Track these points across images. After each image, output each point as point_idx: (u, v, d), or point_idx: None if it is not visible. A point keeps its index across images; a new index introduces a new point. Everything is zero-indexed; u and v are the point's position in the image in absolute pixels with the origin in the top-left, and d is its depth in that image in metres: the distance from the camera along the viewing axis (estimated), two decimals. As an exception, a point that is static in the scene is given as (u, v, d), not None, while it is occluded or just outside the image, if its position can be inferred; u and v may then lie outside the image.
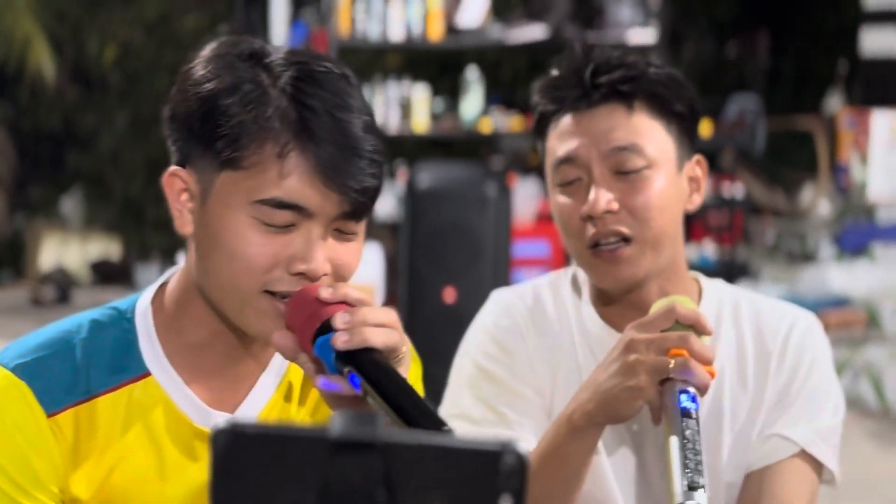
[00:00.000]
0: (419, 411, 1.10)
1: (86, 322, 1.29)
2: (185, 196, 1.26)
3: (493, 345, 1.63)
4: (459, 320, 5.64)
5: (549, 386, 1.61)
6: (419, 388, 1.41)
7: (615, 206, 1.55)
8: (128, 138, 11.50)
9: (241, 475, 0.78)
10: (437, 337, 5.46)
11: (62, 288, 10.94)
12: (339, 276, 1.24)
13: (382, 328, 1.16)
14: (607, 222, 1.55)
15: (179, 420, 1.28)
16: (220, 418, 1.26)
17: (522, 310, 1.65)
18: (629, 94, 1.57)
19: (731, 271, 6.88)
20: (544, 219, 6.50)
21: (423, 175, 5.31)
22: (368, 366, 1.13)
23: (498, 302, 1.68)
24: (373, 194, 1.23)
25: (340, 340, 1.13)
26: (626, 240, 1.55)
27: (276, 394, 1.33)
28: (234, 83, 1.21)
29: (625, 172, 1.56)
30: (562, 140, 1.58)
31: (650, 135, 1.57)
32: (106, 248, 12.38)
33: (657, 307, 1.47)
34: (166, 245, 10.97)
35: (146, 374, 1.28)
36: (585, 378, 1.51)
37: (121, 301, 1.33)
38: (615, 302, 1.62)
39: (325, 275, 1.22)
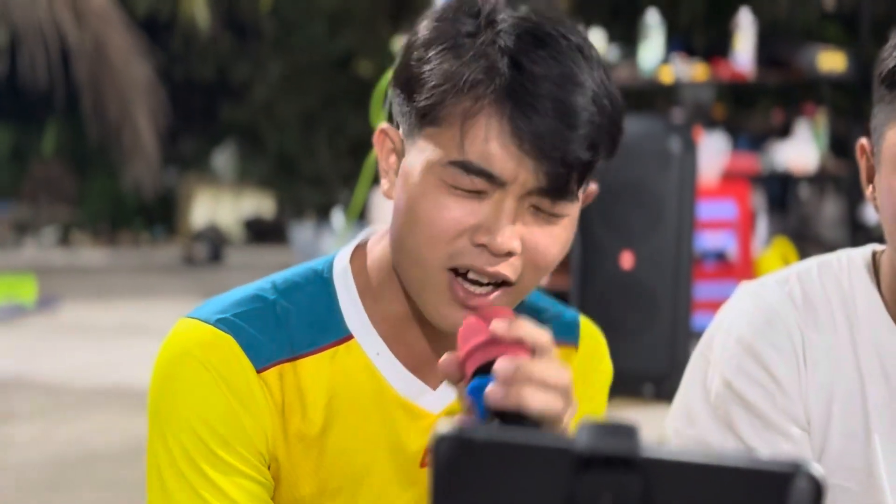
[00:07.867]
0: None
1: (279, 281, 1.27)
2: (392, 158, 1.23)
3: (752, 363, 1.38)
4: (638, 288, 5.20)
5: (823, 420, 1.38)
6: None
7: None
8: (282, 90, 11.39)
9: (466, 489, 0.71)
10: (613, 306, 5.09)
11: (215, 246, 10.89)
12: (532, 260, 1.18)
13: (546, 391, 1.06)
14: None
15: (382, 387, 1.26)
16: (423, 389, 1.26)
17: (794, 318, 1.38)
18: None
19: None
20: (730, 177, 6.02)
21: (598, 128, 4.81)
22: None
23: (759, 303, 1.40)
24: (579, 169, 1.15)
25: (493, 397, 1.06)
26: None
27: None
28: (448, 34, 1.17)
29: None
30: None
31: None
32: (259, 204, 12.28)
33: None
34: (321, 202, 10.81)
35: (348, 336, 1.26)
36: (870, 406, 1.35)
37: (314, 261, 1.31)
38: None
39: (512, 253, 1.16)
